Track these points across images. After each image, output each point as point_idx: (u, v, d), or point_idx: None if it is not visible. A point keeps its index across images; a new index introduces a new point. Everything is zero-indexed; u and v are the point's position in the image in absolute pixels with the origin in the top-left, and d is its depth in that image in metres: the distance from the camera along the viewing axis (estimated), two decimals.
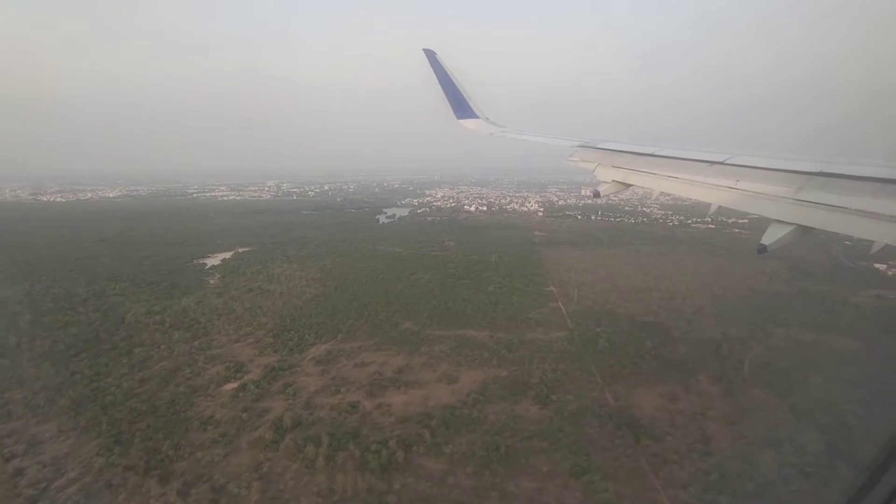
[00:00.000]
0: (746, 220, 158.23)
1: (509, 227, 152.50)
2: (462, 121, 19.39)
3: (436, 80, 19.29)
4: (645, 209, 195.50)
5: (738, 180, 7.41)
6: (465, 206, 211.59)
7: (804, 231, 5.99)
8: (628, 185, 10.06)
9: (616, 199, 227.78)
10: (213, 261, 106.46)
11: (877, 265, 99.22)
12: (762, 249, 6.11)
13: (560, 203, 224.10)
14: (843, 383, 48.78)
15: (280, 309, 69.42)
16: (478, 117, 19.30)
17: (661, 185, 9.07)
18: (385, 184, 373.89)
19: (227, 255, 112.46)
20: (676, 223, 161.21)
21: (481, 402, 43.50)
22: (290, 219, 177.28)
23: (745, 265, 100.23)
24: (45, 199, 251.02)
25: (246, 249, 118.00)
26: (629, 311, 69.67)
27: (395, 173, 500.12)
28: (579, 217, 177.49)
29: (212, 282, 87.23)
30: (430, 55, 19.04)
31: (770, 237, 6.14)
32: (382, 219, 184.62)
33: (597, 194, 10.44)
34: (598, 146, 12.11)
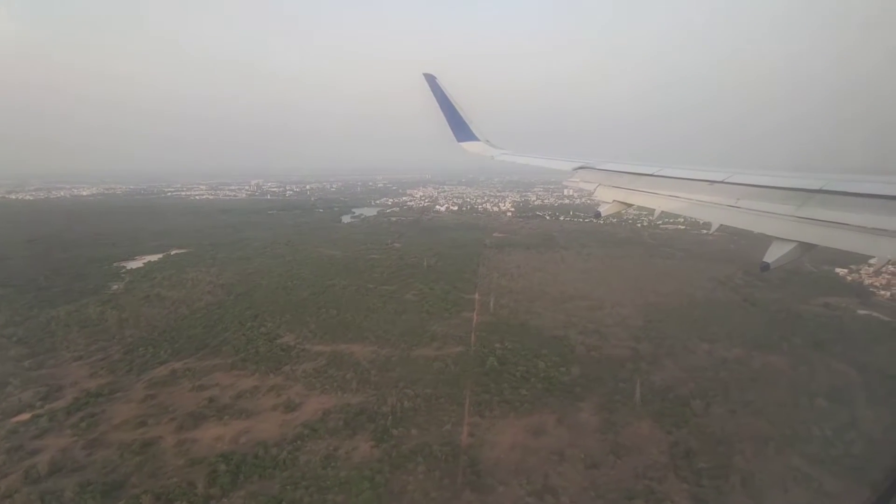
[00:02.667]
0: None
1: (470, 228, 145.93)
2: (463, 143, 19.30)
3: (437, 104, 19.23)
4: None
5: (738, 199, 7.32)
6: (437, 206, 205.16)
7: (806, 248, 5.93)
8: (629, 206, 9.89)
9: (591, 201, 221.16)
10: (137, 263, 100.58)
11: (838, 270, 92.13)
12: (765, 267, 6.05)
13: (536, 203, 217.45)
14: (747, 413, 42.08)
15: (159, 319, 63.31)
16: (478, 140, 19.17)
17: (661, 205, 8.92)
18: (371, 183, 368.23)
19: (157, 256, 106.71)
20: (646, 224, 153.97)
21: (306, 437, 37.10)
22: (249, 219, 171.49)
23: (698, 269, 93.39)
24: (13, 198, 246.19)
25: (180, 251, 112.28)
26: (544, 323, 63.01)
27: (388, 172, 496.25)
28: (548, 217, 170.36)
29: (114, 287, 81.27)
30: (430, 79, 18.93)
31: (772, 255, 6.04)
32: (347, 219, 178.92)
33: (597, 215, 10.36)
34: (597, 167, 12.01)
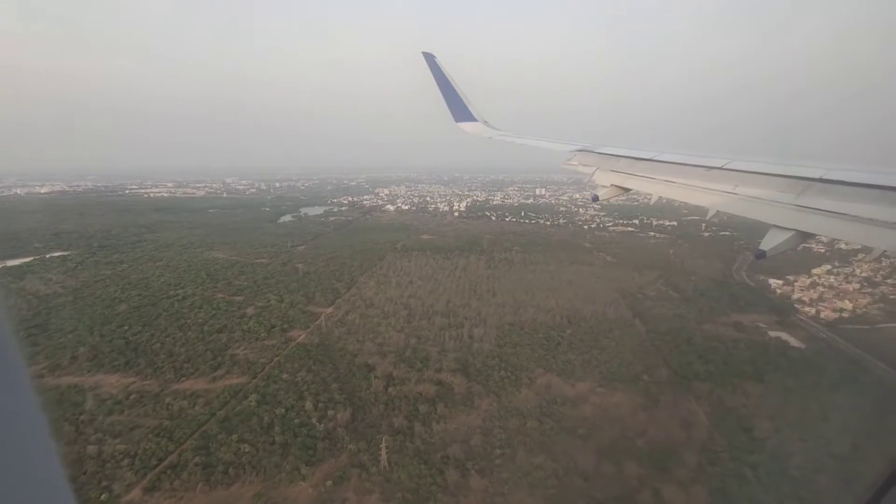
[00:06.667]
0: (675, 223, 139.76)
1: (400, 229, 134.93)
2: (461, 124, 18.77)
3: (435, 84, 18.87)
4: (581, 209, 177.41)
5: (736, 185, 7.18)
6: (388, 206, 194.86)
7: (803, 237, 5.75)
8: (627, 190, 9.69)
9: (556, 201, 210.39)
10: None
11: (772, 281, 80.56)
12: (760, 255, 5.79)
13: (496, 202, 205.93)
14: (523, 485, 31.04)
15: None
16: (476, 120, 18.62)
17: (658, 190, 8.69)
18: (346, 182, 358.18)
19: (24, 260, 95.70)
20: (595, 225, 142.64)
21: None
22: (178, 218, 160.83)
23: (614, 277, 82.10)
24: None
25: (60, 254, 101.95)
26: (369, 347, 51.98)
27: (374, 171, 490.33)
28: (493, 218, 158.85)
29: None
30: (430, 58, 18.69)
31: (769, 243, 5.84)
32: (287, 218, 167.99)
33: (595, 198, 10.20)
34: (596, 150, 11.87)
